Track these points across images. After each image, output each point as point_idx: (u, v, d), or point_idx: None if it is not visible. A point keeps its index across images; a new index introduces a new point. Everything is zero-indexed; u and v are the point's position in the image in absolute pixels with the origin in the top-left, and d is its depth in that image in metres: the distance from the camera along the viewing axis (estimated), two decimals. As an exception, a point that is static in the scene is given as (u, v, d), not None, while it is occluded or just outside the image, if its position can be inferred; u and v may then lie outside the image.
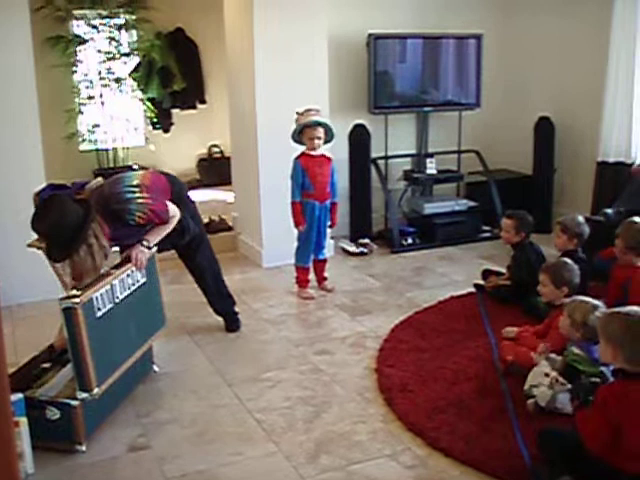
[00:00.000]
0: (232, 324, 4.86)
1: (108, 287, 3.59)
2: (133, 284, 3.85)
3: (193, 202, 4.55)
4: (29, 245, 4.37)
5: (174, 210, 4.08)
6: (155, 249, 4.06)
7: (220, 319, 4.92)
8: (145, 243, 3.94)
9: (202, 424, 3.67)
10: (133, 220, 3.82)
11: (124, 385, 3.88)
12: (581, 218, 4.91)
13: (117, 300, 3.66)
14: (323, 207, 5.40)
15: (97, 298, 3.48)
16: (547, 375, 3.55)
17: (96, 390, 3.40)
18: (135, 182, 3.90)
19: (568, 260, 4.24)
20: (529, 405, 3.59)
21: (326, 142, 5.37)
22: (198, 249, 4.61)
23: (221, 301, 4.85)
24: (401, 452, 3.36)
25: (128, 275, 3.80)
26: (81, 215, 3.56)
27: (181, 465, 3.31)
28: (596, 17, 6.54)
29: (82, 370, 3.37)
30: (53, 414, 3.38)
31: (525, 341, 4.07)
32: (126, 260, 3.88)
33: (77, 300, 3.31)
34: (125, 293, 3.75)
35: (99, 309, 3.49)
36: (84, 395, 3.37)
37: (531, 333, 4.15)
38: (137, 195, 3.83)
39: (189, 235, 4.41)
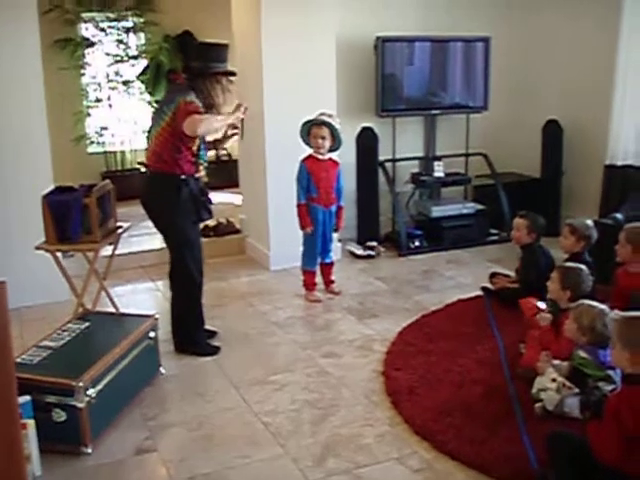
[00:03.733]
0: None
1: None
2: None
3: None
4: (37, 247, 4.41)
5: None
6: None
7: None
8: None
9: (209, 427, 3.67)
10: None
11: (131, 388, 3.89)
12: (590, 222, 4.89)
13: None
14: (328, 212, 5.39)
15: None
16: (554, 380, 3.54)
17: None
18: None
19: (584, 268, 4.17)
20: (537, 409, 3.58)
21: (333, 150, 5.37)
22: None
23: None
24: (408, 455, 3.36)
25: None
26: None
27: (188, 468, 3.31)
28: (604, 19, 6.52)
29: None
30: (59, 416, 3.38)
31: (534, 344, 4.04)
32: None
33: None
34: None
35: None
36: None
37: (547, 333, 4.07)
38: None
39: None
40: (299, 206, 5.33)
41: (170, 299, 4.60)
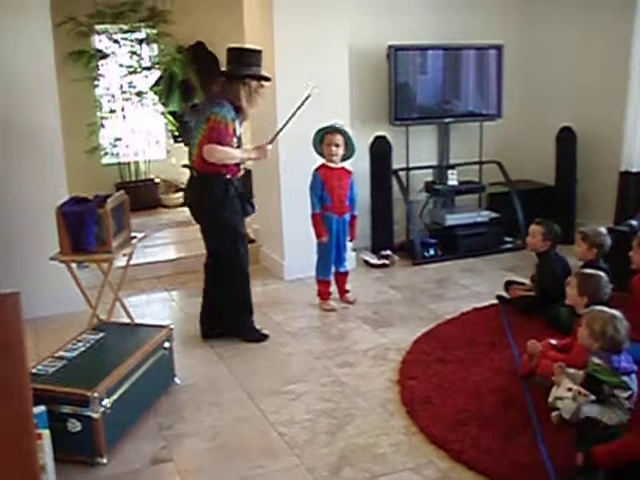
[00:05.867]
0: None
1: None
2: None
3: None
4: (52, 258, 4.42)
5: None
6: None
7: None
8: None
9: (224, 437, 3.66)
10: None
11: (146, 397, 3.89)
12: (603, 229, 4.87)
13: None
14: (341, 220, 5.38)
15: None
16: (570, 389, 3.52)
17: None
18: None
19: (604, 275, 4.16)
20: (553, 418, 3.56)
21: (346, 158, 5.36)
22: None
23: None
24: (424, 465, 3.34)
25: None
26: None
27: (203, 478, 3.31)
28: (617, 25, 6.49)
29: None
30: (74, 426, 3.39)
31: (551, 357, 4.01)
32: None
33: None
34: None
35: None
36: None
37: (557, 351, 4.07)
38: None
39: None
40: (314, 216, 5.32)
41: (211, 293, 4.86)
